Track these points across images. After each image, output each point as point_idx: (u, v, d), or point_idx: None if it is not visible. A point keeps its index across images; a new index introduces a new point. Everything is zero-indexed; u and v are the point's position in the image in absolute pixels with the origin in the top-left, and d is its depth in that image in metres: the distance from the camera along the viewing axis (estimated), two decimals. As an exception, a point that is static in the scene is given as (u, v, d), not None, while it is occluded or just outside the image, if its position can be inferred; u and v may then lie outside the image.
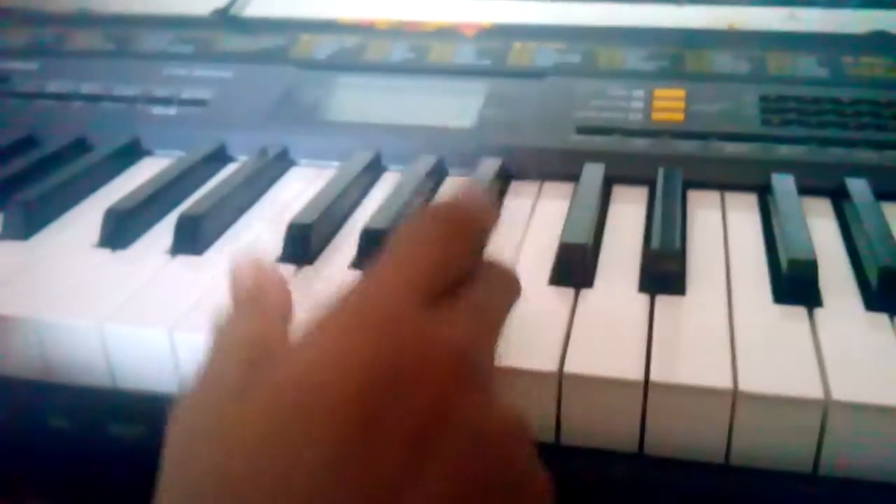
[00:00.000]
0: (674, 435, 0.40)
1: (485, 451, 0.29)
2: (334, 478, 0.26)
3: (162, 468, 0.29)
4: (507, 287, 0.36)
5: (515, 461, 0.30)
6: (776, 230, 0.52)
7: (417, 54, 0.72)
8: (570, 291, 0.47)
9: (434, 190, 0.60)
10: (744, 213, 0.56)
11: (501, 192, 0.59)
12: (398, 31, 0.75)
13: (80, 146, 0.67)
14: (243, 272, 0.37)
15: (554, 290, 0.47)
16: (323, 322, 0.31)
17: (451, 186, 0.60)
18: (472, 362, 0.30)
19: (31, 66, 0.75)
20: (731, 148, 0.60)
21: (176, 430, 0.30)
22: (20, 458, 0.47)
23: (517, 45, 0.72)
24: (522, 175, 0.61)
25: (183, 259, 0.52)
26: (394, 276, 0.32)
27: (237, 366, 0.31)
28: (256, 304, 0.36)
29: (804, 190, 0.56)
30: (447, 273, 0.33)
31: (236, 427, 0.28)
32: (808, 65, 0.67)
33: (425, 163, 0.61)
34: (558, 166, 0.60)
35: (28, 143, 0.67)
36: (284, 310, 0.36)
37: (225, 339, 0.34)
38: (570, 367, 0.40)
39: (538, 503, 0.31)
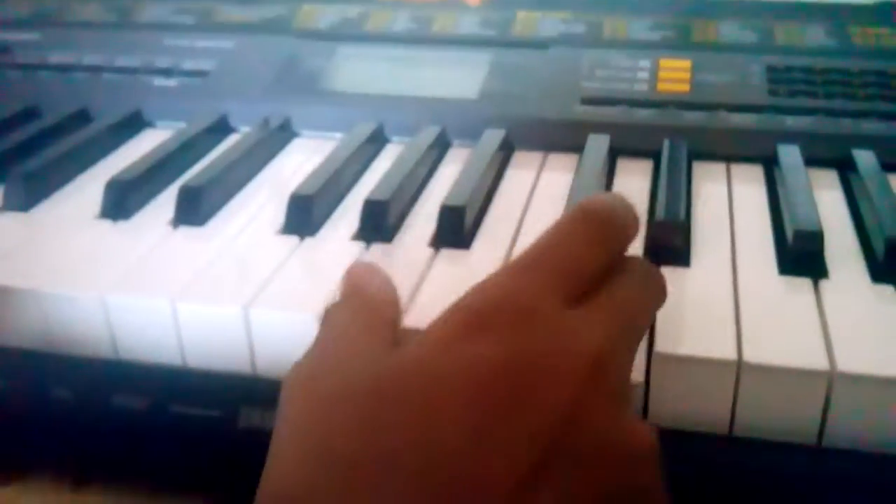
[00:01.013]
0: (678, 406, 0.39)
1: (609, 461, 0.28)
2: (445, 475, 0.26)
3: (280, 431, 0.29)
4: (651, 288, 0.35)
5: (639, 477, 0.29)
6: (782, 202, 0.52)
7: (420, 24, 0.71)
8: (573, 263, 0.46)
9: (437, 161, 0.60)
10: (749, 185, 0.55)
11: (504, 163, 0.59)
12: (400, 2, 0.74)
13: (82, 118, 0.66)
14: (353, 269, 0.39)
15: (557, 261, 0.47)
16: (454, 315, 0.30)
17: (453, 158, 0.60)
18: (609, 366, 0.29)
19: (33, 37, 0.74)
20: (738, 119, 0.59)
21: (298, 397, 0.30)
22: (22, 429, 0.47)
23: (521, 14, 0.71)
24: (526, 146, 0.61)
25: (185, 230, 0.52)
26: (531, 273, 0.31)
27: (369, 344, 0.31)
28: (364, 296, 0.36)
29: (811, 161, 0.55)
30: (587, 274, 0.32)
31: (362, 401, 0.28)
32: (815, 35, 0.66)
33: (428, 134, 0.60)
34: (562, 137, 0.60)
35: (29, 114, 0.67)
36: (391, 308, 0.37)
37: (342, 320, 0.34)
38: (573, 339, 0.40)
39: None
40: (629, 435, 0.29)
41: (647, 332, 0.35)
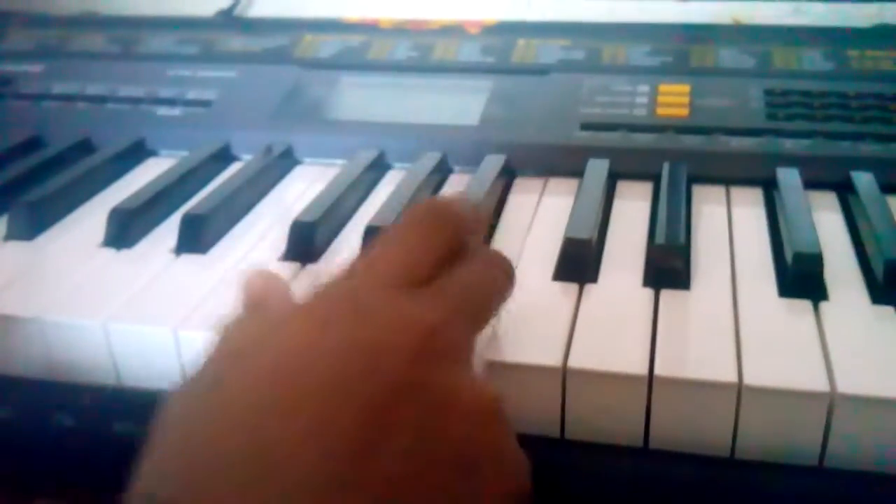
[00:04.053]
0: (679, 429, 0.39)
1: (449, 422, 0.30)
2: (302, 458, 0.27)
3: (146, 455, 0.30)
4: (494, 270, 0.38)
5: (481, 438, 0.31)
6: (781, 224, 0.52)
7: (421, 52, 0.72)
8: (574, 287, 0.46)
9: (438, 187, 0.60)
10: (749, 208, 0.55)
11: (506, 189, 0.59)
12: (402, 30, 0.75)
13: (85, 147, 0.67)
14: (251, 281, 0.39)
15: (558, 285, 0.47)
16: (300, 314, 0.33)
17: (454, 185, 0.61)
18: (442, 338, 0.32)
19: (37, 68, 0.75)
20: (736, 142, 0.59)
21: (162, 421, 0.31)
22: (26, 457, 0.47)
23: (521, 42, 0.71)
24: (527, 172, 0.61)
25: (187, 258, 0.52)
26: (368, 270, 0.35)
27: (219, 357, 0.33)
28: (259, 308, 0.37)
29: (810, 184, 0.55)
30: (424, 264, 0.35)
31: (212, 413, 0.29)
32: (812, 59, 0.67)
33: (429, 160, 0.61)
34: (563, 162, 0.60)
35: (33, 144, 0.67)
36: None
37: (223, 338, 0.35)
38: (574, 362, 0.40)
39: (507, 486, 0.32)
40: (468, 395, 0.31)
41: (497, 310, 0.38)
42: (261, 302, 0.38)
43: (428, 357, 0.31)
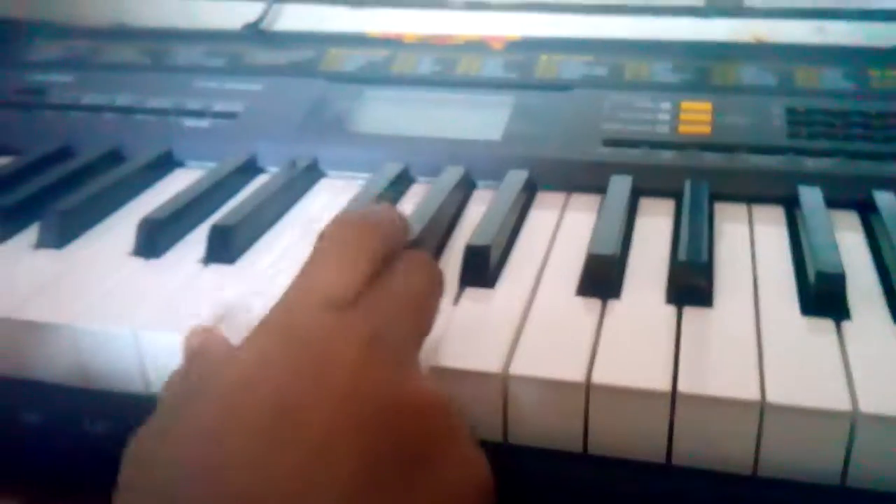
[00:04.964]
0: (701, 446, 0.40)
1: (394, 423, 0.31)
2: (264, 480, 0.29)
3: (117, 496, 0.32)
4: (422, 272, 0.39)
5: (431, 432, 0.32)
6: (804, 243, 0.52)
7: (445, 67, 0.73)
8: (597, 302, 0.47)
9: (462, 202, 0.61)
10: (771, 226, 0.56)
11: (528, 204, 0.60)
12: (426, 45, 0.75)
13: (114, 157, 0.68)
14: (190, 336, 0.42)
15: (581, 300, 0.47)
16: (240, 350, 0.34)
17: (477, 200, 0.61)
18: (380, 346, 0.33)
19: (67, 78, 0.76)
20: (758, 160, 0.60)
21: (125, 466, 0.33)
22: (57, 463, 0.48)
23: (544, 57, 0.72)
24: (549, 187, 0.61)
25: (215, 268, 0.53)
26: (302, 289, 0.36)
27: (169, 405, 0.35)
28: (199, 357, 0.39)
29: (831, 203, 0.56)
30: (357, 281, 0.36)
31: (167, 455, 0.31)
32: (834, 78, 0.67)
33: (453, 175, 0.61)
34: (585, 178, 0.61)
35: (63, 153, 0.69)
36: None
37: (168, 388, 0.37)
38: (597, 378, 0.40)
39: (468, 481, 0.33)
40: (413, 395, 0.33)
41: (436, 312, 0.39)
42: (201, 352, 0.39)
43: (370, 366, 0.32)
